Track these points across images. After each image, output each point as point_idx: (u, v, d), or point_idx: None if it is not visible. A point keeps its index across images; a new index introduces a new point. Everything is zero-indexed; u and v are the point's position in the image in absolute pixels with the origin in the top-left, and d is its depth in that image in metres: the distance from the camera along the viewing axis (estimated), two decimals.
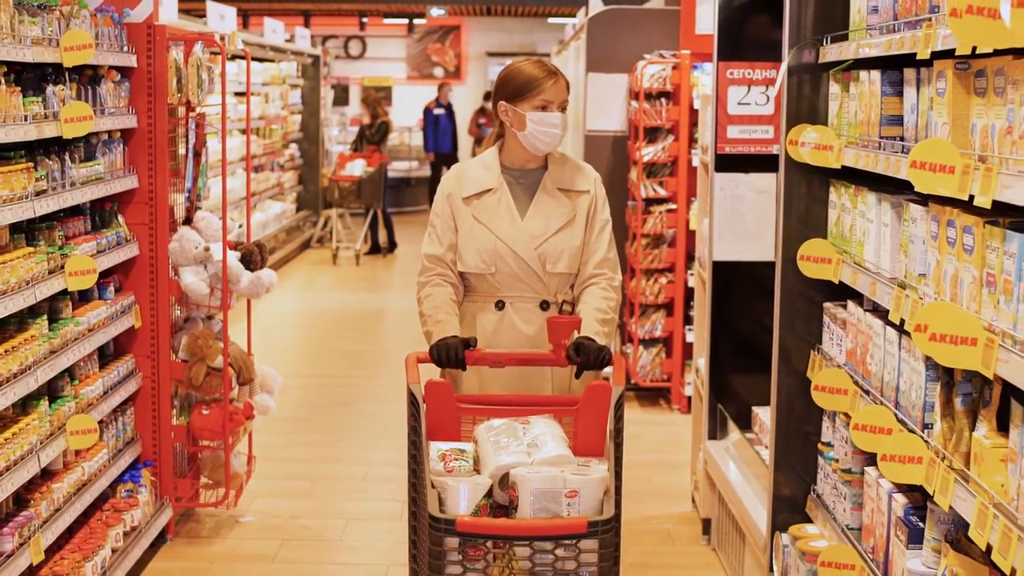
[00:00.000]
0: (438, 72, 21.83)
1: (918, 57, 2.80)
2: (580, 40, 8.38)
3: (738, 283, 5.12)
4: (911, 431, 2.90)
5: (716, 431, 5.18)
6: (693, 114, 7.01)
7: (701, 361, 5.39)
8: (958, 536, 2.80)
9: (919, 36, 2.80)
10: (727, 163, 5.01)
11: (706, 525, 5.22)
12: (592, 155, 7.80)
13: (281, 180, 13.98)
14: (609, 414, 3.21)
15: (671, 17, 7.74)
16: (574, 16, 13.59)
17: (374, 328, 10.27)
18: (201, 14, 14.00)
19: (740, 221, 4.97)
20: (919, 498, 3.01)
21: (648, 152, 7.31)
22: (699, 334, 5.60)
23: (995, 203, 2.39)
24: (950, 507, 2.64)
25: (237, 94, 10.73)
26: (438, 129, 17.94)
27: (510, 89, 3.71)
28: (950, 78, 2.68)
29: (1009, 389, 2.46)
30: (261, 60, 13.07)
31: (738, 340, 5.19)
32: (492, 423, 3.23)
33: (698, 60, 7.15)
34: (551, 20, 20.39)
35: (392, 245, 14.35)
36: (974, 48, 2.38)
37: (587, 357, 3.45)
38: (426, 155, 18.26)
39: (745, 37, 4.98)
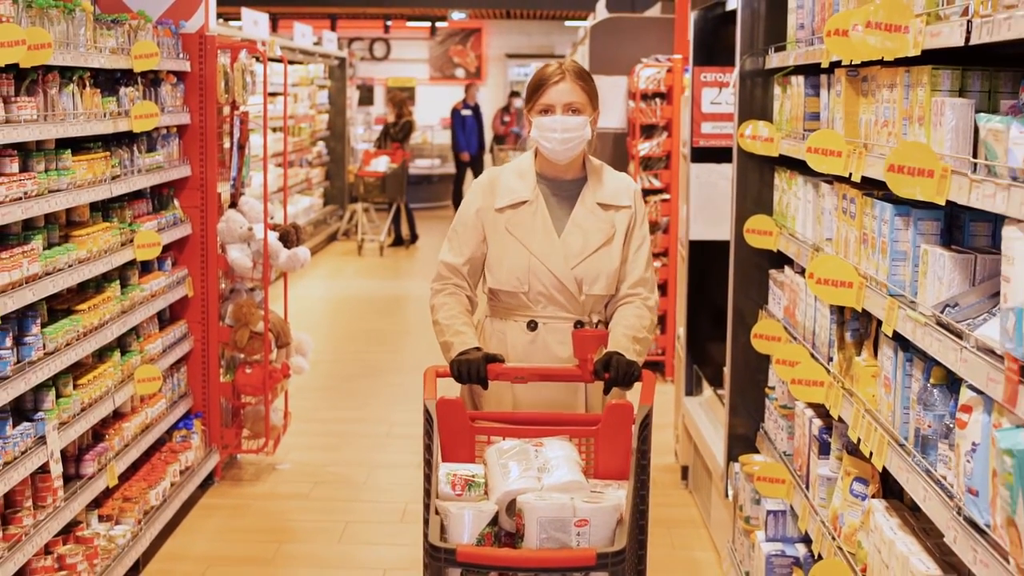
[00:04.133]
0: (460, 73, 22.59)
1: (822, 66, 3.54)
2: (585, 44, 9.13)
3: (712, 260, 5.85)
4: (818, 362, 3.64)
5: (692, 389, 5.93)
6: None
7: (681, 329, 6.13)
8: (854, 447, 3.53)
9: (823, 50, 3.53)
10: (701, 155, 5.76)
11: (684, 472, 5.96)
12: (595, 151, 8.53)
13: (309, 176, 14.77)
14: (633, 434, 3.06)
15: (666, 25, 8.48)
16: (586, 19, 14.32)
17: (396, 311, 11.04)
18: (233, 17, 14.81)
19: (713, 205, 5.70)
20: (831, 422, 3.74)
21: (644, 147, 8.06)
22: (679, 305, 6.34)
23: (879, 181, 3.11)
24: (839, 417, 3.38)
25: (272, 94, 11.49)
26: (465, 129, 17.96)
27: (527, 95, 3.59)
28: (844, 83, 3.41)
29: (880, 323, 3.20)
30: (291, 62, 13.85)
31: (713, 310, 5.91)
32: (503, 445, 3.08)
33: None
34: (567, 23, 21.12)
35: (414, 237, 15.10)
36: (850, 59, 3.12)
37: (616, 372, 3.25)
38: (461, 154, 17.96)
39: (717, 46, 5.71)
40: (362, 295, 11.89)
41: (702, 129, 5.72)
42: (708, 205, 5.72)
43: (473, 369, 3.28)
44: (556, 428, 3.20)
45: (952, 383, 2.62)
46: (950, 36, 2.44)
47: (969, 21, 2.35)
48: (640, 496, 2.97)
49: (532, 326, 3.52)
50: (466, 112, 18.05)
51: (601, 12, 9.02)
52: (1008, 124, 2.19)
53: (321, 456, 6.43)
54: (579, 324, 3.52)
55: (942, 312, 2.58)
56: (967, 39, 2.35)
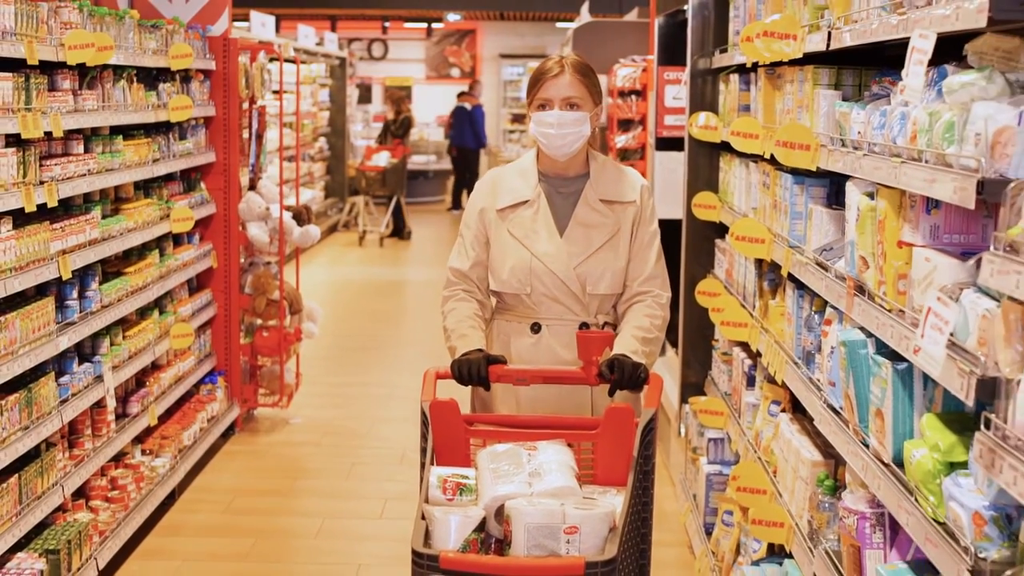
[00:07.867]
0: (455, 72, 23.37)
1: (747, 66, 4.32)
2: (569, 45, 9.92)
3: (674, 237, 6.61)
4: (745, 308, 4.42)
5: None
6: None
7: None
8: (773, 377, 4.31)
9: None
10: (664, 144, 6.54)
11: None
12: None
13: (311, 170, 15.54)
14: (635, 440, 2.91)
15: (643, 28, 9.26)
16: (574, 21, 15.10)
17: (396, 294, 11.82)
18: (240, 19, 15.56)
19: (674, 188, 6.47)
20: (758, 361, 4.52)
21: (621, 140, 8.84)
22: None
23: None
24: (758, 351, 4.16)
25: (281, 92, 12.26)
26: (476, 125, 18.53)
27: (527, 89, 3.52)
28: (763, 79, 4.20)
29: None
30: (295, 62, 14.61)
31: (677, 282, 6.69)
32: (495, 448, 2.98)
33: None
34: (558, 24, 21.91)
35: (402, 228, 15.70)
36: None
37: (621, 374, 3.14)
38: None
39: (679, 48, 6.47)
40: (364, 280, 12.67)
41: (665, 121, 6.49)
42: (670, 188, 6.49)
43: (474, 370, 3.21)
44: (554, 432, 3.09)
45: (825, 308, 3.40)
46: (818, 43, 3.23)
47: (829, 32, 3.13)
48: (643, 504, 2.89)
49: (536, 328, 3.46)
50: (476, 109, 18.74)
51: (584, 16, 9.80)
52: (851, 108, 2.97)
53: (329, 412, 7.21)
54: (584, 326, 3.46)
55: (820, 255, 3.37)
56: (828, 45, 3.13)
